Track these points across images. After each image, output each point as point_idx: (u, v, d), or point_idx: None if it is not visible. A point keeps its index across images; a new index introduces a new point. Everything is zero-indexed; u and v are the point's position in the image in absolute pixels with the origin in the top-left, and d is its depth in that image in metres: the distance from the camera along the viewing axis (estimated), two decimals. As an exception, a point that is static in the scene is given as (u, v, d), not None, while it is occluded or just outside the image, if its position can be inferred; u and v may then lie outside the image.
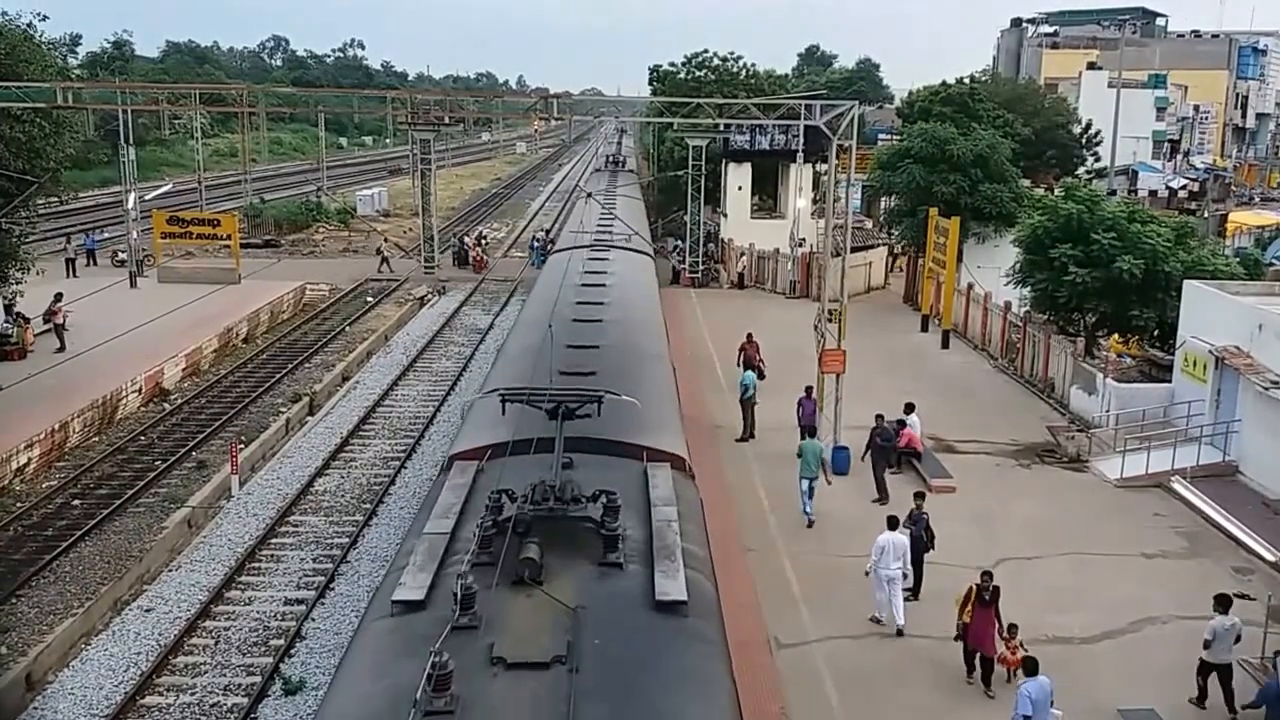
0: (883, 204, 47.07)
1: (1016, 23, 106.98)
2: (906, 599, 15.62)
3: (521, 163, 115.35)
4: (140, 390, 25.73)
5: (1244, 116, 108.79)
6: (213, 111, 77.11)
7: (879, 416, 20.80)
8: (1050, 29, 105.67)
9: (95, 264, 42.41)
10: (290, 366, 29.55)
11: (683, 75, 52.76)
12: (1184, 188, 76.15)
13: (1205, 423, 22.16)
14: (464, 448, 10.85)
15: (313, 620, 15.70)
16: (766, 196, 49.23)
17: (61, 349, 27.68)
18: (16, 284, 27.18)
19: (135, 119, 51.45)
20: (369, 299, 39.66)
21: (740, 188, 44.76)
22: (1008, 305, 30.63)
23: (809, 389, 22.41)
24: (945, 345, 32.62)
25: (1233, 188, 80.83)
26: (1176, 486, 20.72)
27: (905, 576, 15.60)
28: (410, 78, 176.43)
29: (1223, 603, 13.51)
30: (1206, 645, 13.29)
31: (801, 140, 39.40)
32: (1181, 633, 14.66)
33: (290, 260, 46.46)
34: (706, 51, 53.34)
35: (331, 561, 17.66)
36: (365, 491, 20.92)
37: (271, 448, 23.29)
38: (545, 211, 69.35)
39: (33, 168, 25.81)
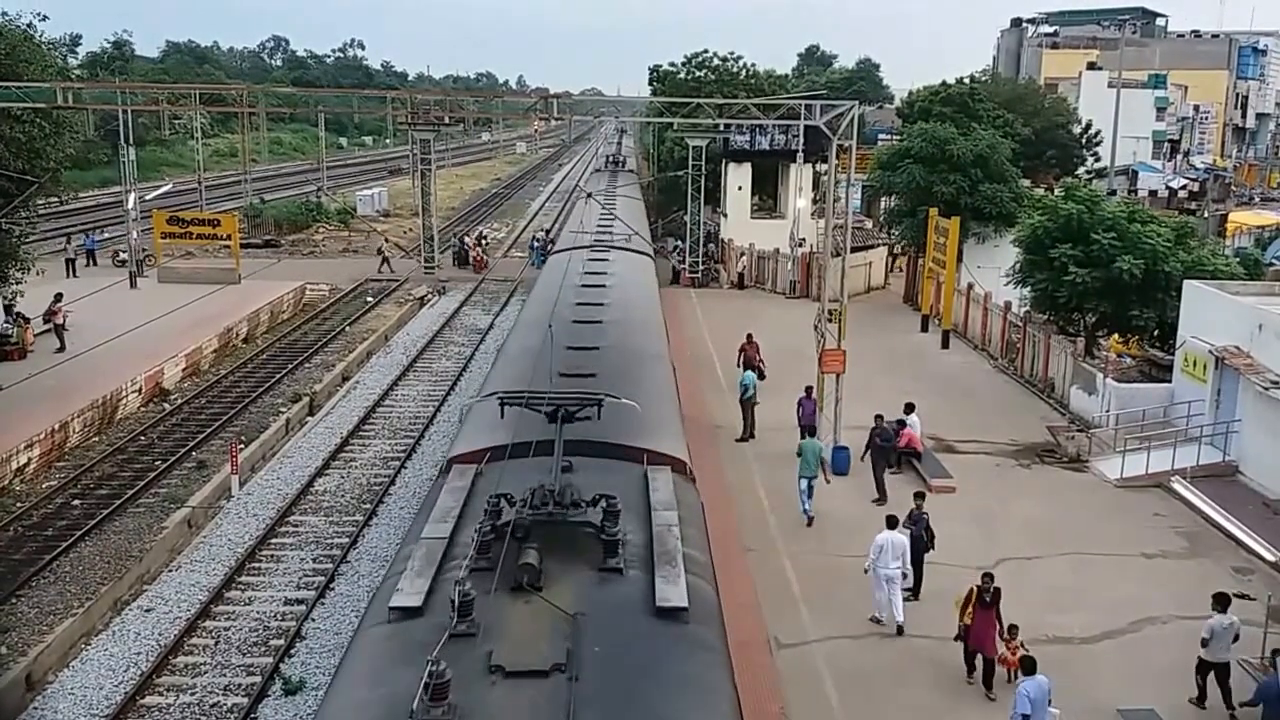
0: (883, 204, 47.07)
1: (1016, 23, 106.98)
2: (907, 599, 15.64)
3: (521, 163, 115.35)
4: (140, 390, 25.74)
5: (1244, 116, 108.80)
6: (213, 111, 77.12)
7: (878, 417, 20.80)
8: (1050, 29, 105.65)
9: (95, 264, 42.42)
10: (290, 366, 29.55)
11: (683, 75, 52.76)
12: (1184, 188, 76.14)
13: (1205, 423, 22.16)
14: (462, 450, 10.77)
15: (313, 620, 15.69)
16: (766, 196, 49.23)
17: (61, 349, 27.69)
18: (17, 284, 27.18)
19: (135, 119, 51.46)
20: (369, 299, 39.67)
21: (740, 188, 44.76)
22: (1008, 305, 30.63)
23: (809, 389, 22.41)
24: (945, 345, 32.62)
25: (1233, 188, 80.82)
26: (1176, 486, 20.72)
27: (905, 576, 15.62)
28: (410, 78, 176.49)
29: (1221, 601, 13.52)
30: (1204, 644, 13.30)
31: (801, 140, 39.40)
32: (1181, 633, 14.65)
33: (290, 260, 46.46)
34: (706, 51, 53.42)
35: (331, 562, 17.66)
36: (365, 492, 20.92)
37: (271, 448, 23.29)
38: (545, 212, 69.35)
39: (33, 168, 25.81)
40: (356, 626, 7.74)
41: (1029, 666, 12.05)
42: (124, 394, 24.95)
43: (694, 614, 7.13)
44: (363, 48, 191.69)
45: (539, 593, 6.92)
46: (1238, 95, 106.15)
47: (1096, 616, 15.60)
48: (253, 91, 65.90)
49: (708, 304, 39.52)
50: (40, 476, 21.11)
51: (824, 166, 38.65)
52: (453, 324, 36.49)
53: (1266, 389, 19.94)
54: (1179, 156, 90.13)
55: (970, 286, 34.12)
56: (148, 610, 16.03)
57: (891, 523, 15.57)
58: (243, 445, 22.14)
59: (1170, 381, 24.34)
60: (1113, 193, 48.69)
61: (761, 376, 25.14)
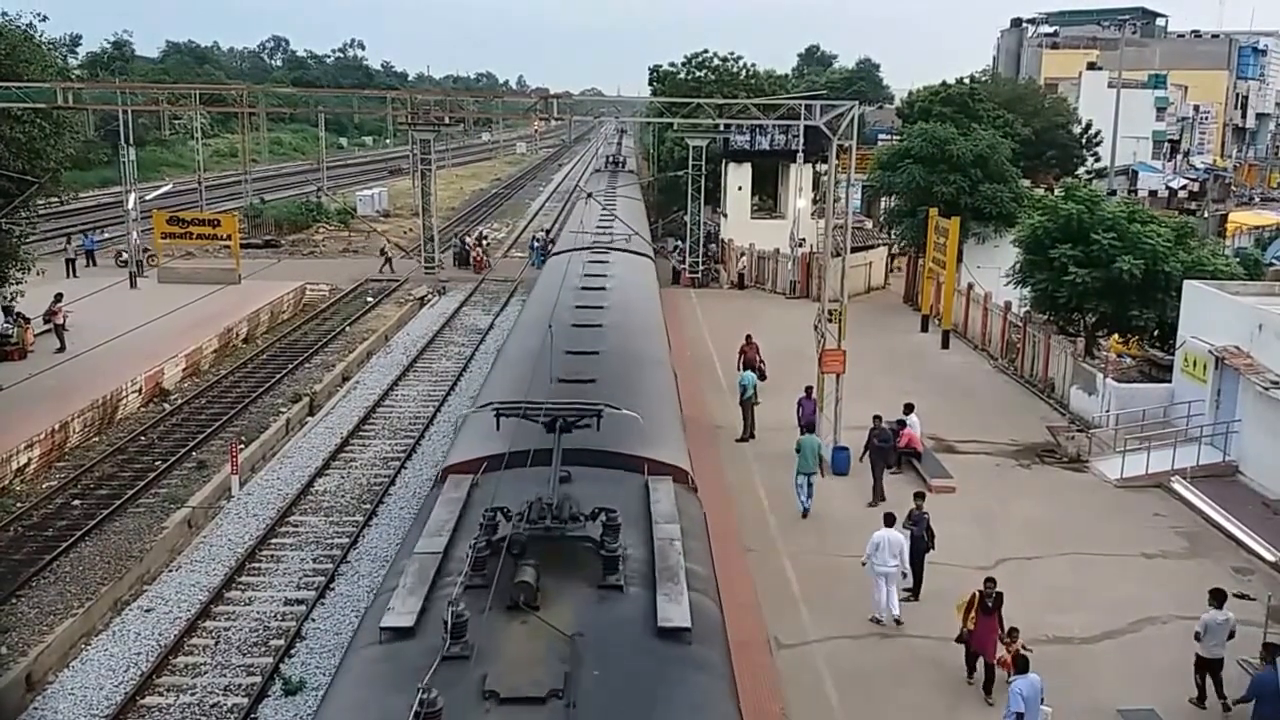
0: (883, 204, 47.08)
1: (1016, 23, 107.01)
2: (906, 599, 15.67)
3: (521, 163, 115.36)
4: (140, 390, 25.74)
5: (1244, 116, 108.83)
6: (213, 111, 77.12)
7: (877, 417, 20.79)
8: (1050, 29, 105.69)
9: (95, 264, 42.42)
10: (290, 367, 29.55)
11: (683, 75, 52.77)
12: (1184, 188, 76.17)
13: (1205, 423, 22.16)
14: (458, 459, 10.48)
15: (313, 620, 15.69)
16: (766, 196, 49.23)
17: (61, 349, 27.68)
18: (17, 284, 27.18)
19: (135, 119, 51.41)
20: (369, 299, 39.67)
21: (740, 188, 44.76)
22: (1008, 305, 30.63)
23: (809, 389, 22.43)
24: (945, 345, 32.62)
25: (1233, 188, 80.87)
26: (1176, 486, 20.72)
27: (905, 576, 15.64)
28: (410, 78, 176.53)
29: (1217, 597, 13.58)
30: (1197, 637, 13.37)
31: (801, 140, 39.39)
32: (1181, 633, 14.64)
33: (290, 260, 46.46)
34: (706, 52, 53.44)
35: (331, 562, 17.66)
36: (365, 492, 20.92)
37: (271, 448, 23.29)
38: (545, 212, 69.36)
39: (33, 168, 25.81)
40: (347, 646, 7.54)
41: (1022, 665, 12.09)
42: (124, 394, 24.95)
43: (697, 634, 6.92)
44: (363, 48, 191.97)
45: (535, 612, 6.72)
46: (1238, 95, 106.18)
47: (1096, 616, 15.61)
48: (253, 92, 65.96)
49: (708, 304, 39.52)
50: (40, 476, 21.10)
51: (824, 166, 38.65)
52: (453, 324, 36.49)
53: (1266, 389, 19.94)
54: (1179, 156, 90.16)
55: (970, 286, 34.12)
56: (148, 610, 16.03)
57: (889, 520, 15.61)
58: (243, 445, 22.14)
59: (1170, 381, 24.34)
60: (1113, 193, 48.69)
61: (762, 377, 25.15)
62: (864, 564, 15.50)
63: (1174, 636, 14.84)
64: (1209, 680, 13.42)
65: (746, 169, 44.57)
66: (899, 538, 15.46)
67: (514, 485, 8.46)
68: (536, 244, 47.07)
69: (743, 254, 43.43)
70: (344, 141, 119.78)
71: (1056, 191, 35.06)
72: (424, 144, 45.85)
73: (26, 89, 26.77)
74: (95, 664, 14.53)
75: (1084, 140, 61.73)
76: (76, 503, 19.81)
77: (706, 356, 30.54)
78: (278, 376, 28.49)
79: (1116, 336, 28.35)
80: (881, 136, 56.51)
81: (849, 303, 23.43)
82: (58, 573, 16.87)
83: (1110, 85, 64.55)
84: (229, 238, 41.79)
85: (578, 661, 6.30)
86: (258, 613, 16.03)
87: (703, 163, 43.54)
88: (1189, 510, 19.92)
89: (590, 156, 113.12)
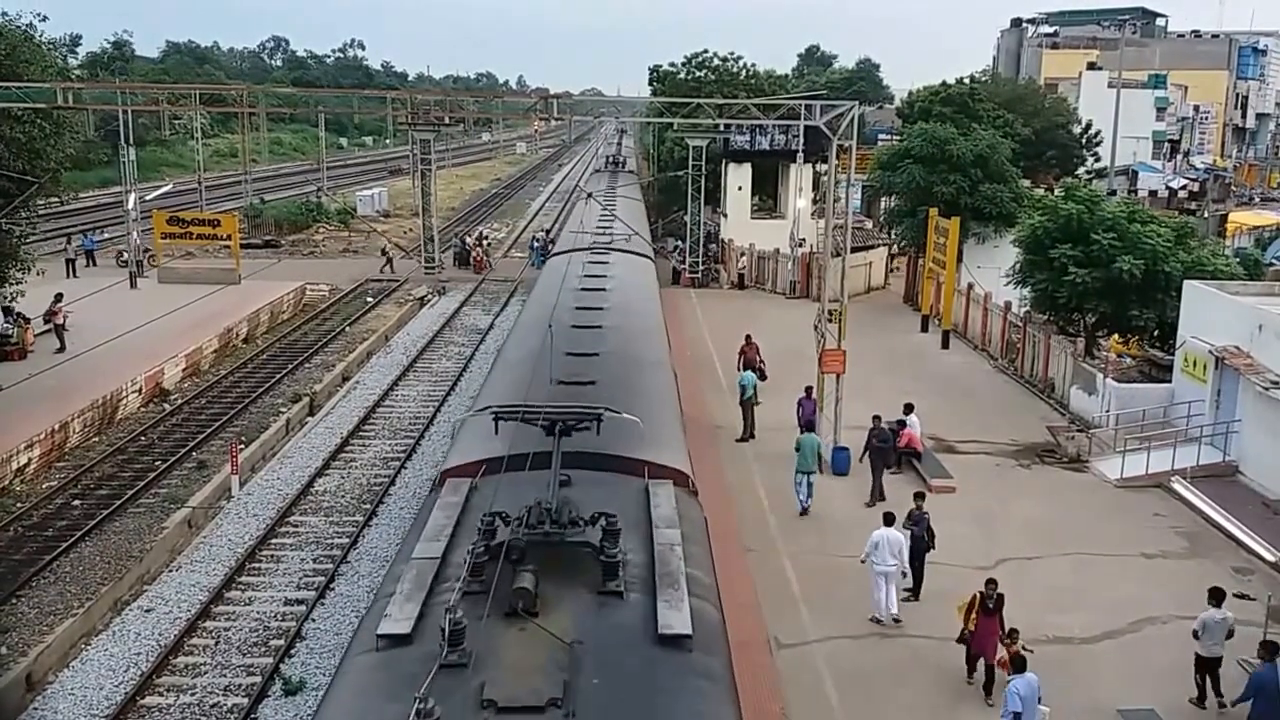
0: (883, 204, 47.09)
1: (1016, 23, 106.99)
2: (906, 599, 15.67)
3: (521, 163, 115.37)
4: (140, 390, 25.74)
5: (1244, 116, 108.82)
6: (213, 112, 77.15)
7: (876, 417, 20.79)
8: (1050, 29, 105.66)
9: (95, 264, 42.42)
10: (290, 367, 29.55)
11: (683, 75, 52.75)
12: (1184, 188, 76.16)
13: (1205, 423, 22.16)
14: (456, 463, 10.37)
15: (313, 620, 15.69)
16: (766, 196, 49.23)
17: (61, 349, 27.68)
18: (17, 284, 27.18)
19: (135, 119, 51.42)
20: (369, 299, 39.67)
21: (740, 188, 44.75)
22: (1008, 305, 30.63)
23: (809, 389, 22.43)
24: (945, 345, 32.62)
25: (1233, 188, 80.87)
26: (1176, 486, 20.73)
27: (904, 575, 15.65)
28: (410, 78, 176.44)
29: (1216, 596, 13.60)
30: (1195, 635, 13.39)
31: (801, 140, 39.39)
32: (1182, 633, 14.62)
33: (290, 260, 46.46)
34: (706, 52, 53.42)
35: (331, 562, 17.66)
36: (365, 492, 20.92)
37: (271, 448, 23.29)
38: (545, 212, 69.37)
39: (33, 168, 25.82)
40: (344, 652, 7.48)
41: (1020, 664, 12.09)
42: (124, 394, 24.95)
43: (698, 641, 6.84)
44: (363, 48, 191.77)
45: (534, 619, 6.63)
46: (1238, 95, 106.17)
47: (1097, 616, 15.61)
48: (253, 92, 66.00)
49: (708, 304, 39.52)
50: (40, 477, 21.10)
51: (824, 167, 38.64)
52: (453, 324, 36.49)
53: (1266, 389, 19.94)
54: (1179, 157, 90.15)
55: (970, 286, 34.13)
56: (148, 610, 16.03)
57: (888, 520, 15.62)
58: (243, 445, 22.14)
59: (1170, 382, 24.35)
60: (1113, 193, 48.68)
61: (763, 377, 25.17)
62: (863, 561, 15.54)
63: (1174, 636, 14.83)
64: (1208, 680, 13.43)
65: (746, 169, 44.56)
66: (898, 537, 15.49)
67: (513, 489, 8.37)
68: (536, 244, 47.08)
69: (743, 254, 43.43)
70: (344, 142, 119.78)
71: (1056, 191, 35.04)
72: (424, 144, 45.86)
73: (26, 89, 26.78)
74: (95, 664, 14.53)
75: (1084, 140, 61.72)
76: (76, 503, 19.82)
77: (706, 357, 30.54)
78: (278, 376, 28.49)
79: (1116, 336, 28.36)
80: (881, 136, 56.50)
81: (849, 303, 23.43)
82: (58, 573, 16.87)
83: (1110, 85, 64.53)
84: (229, 238, 41.79)
85: (577, 669, 6.22)
86: (258, 613, 16.02)
87: (703, 163, 43.53)
88: (1189, 510, 19.92)
89: (590, 156, 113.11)
